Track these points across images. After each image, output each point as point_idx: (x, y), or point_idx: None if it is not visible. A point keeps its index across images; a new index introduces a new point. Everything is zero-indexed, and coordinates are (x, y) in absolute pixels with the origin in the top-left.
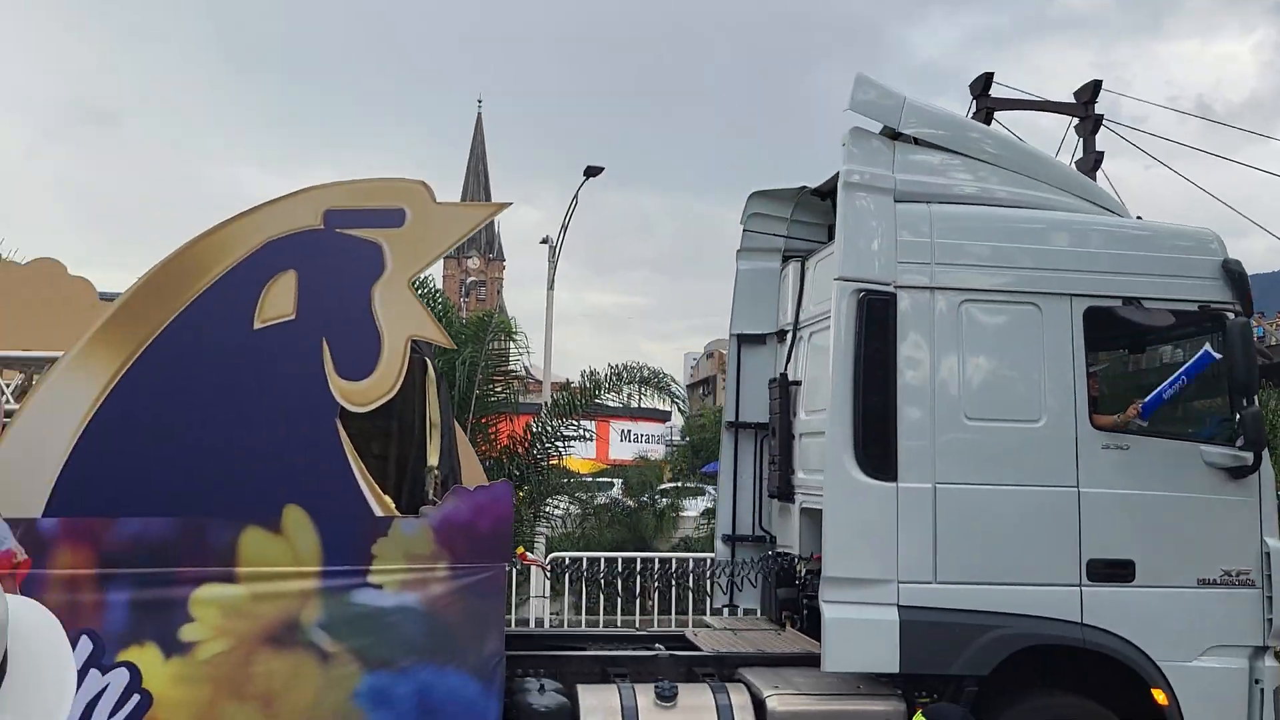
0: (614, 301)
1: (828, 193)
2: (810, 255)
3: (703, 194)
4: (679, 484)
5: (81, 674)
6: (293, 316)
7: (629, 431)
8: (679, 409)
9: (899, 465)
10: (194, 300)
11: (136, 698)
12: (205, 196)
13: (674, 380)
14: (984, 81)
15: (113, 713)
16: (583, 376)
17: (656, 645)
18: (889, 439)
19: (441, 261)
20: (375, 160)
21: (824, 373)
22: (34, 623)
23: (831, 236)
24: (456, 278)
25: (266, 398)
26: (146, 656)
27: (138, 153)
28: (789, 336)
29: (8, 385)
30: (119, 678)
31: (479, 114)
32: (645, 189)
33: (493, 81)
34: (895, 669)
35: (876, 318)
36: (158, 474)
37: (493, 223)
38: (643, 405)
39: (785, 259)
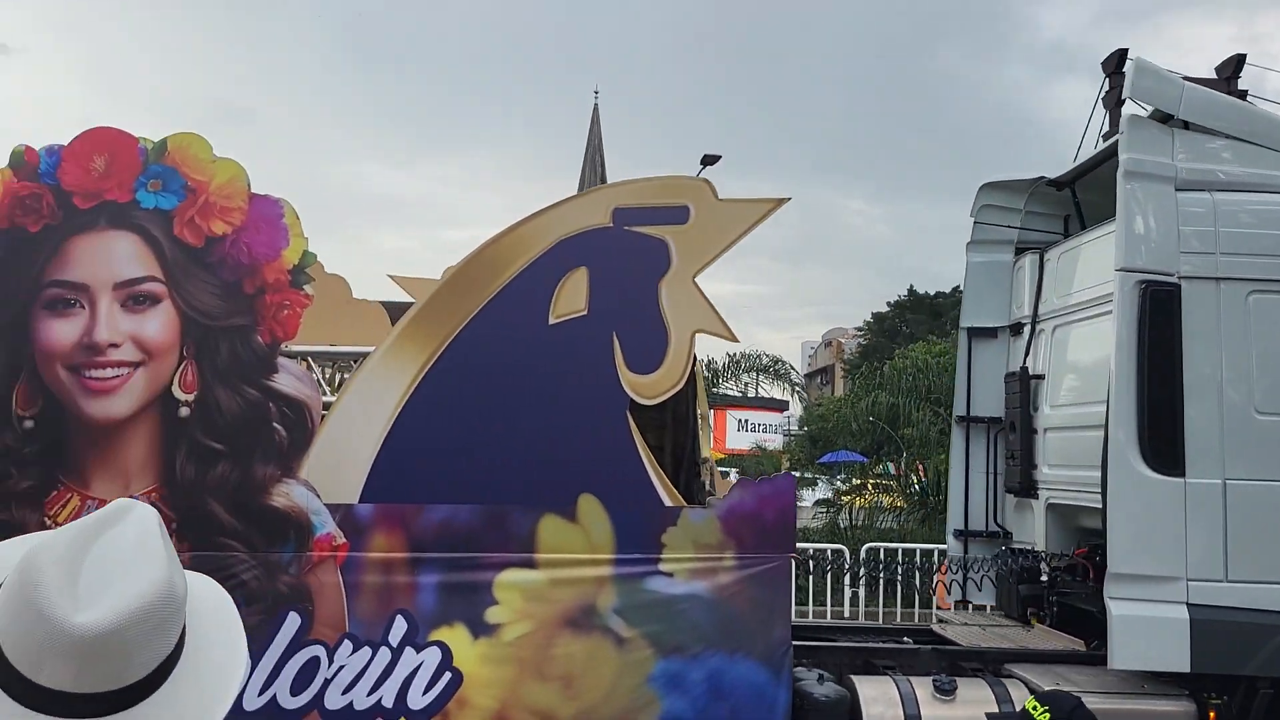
0: (731, 290)
1: (1066, 183)
2: (1050, 247)
3: (820, 180)
4: (798, 474)
5: (397, 652)
6: (585, 312)
7: (746, 421)
8: (798, 398)
9: (1186, 460)
10: (493, 297)
11: (448, 675)
12: (330, 190)
13: (793, 368)
14: (1117, 59)
15: (427, 689)
16: (700, 365)
17: (905, 638)
18: (1176, 433)
19: None
20: (494, 153)
21: (1075, 366)
22: (208, 598)
23: (1068, 228)
24: None
25: (561, 391)
26: (456, 636)
27: (269, 148)
28: (1026, 330)
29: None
30: (432, 656)
31: (595, 104)
32: (763, 176)
33: (609, 72)
34: (1186, 668)
35: (1160, 309)
36: (461, 463)
37: None
38: (760, 395)
39: (1018, 251)
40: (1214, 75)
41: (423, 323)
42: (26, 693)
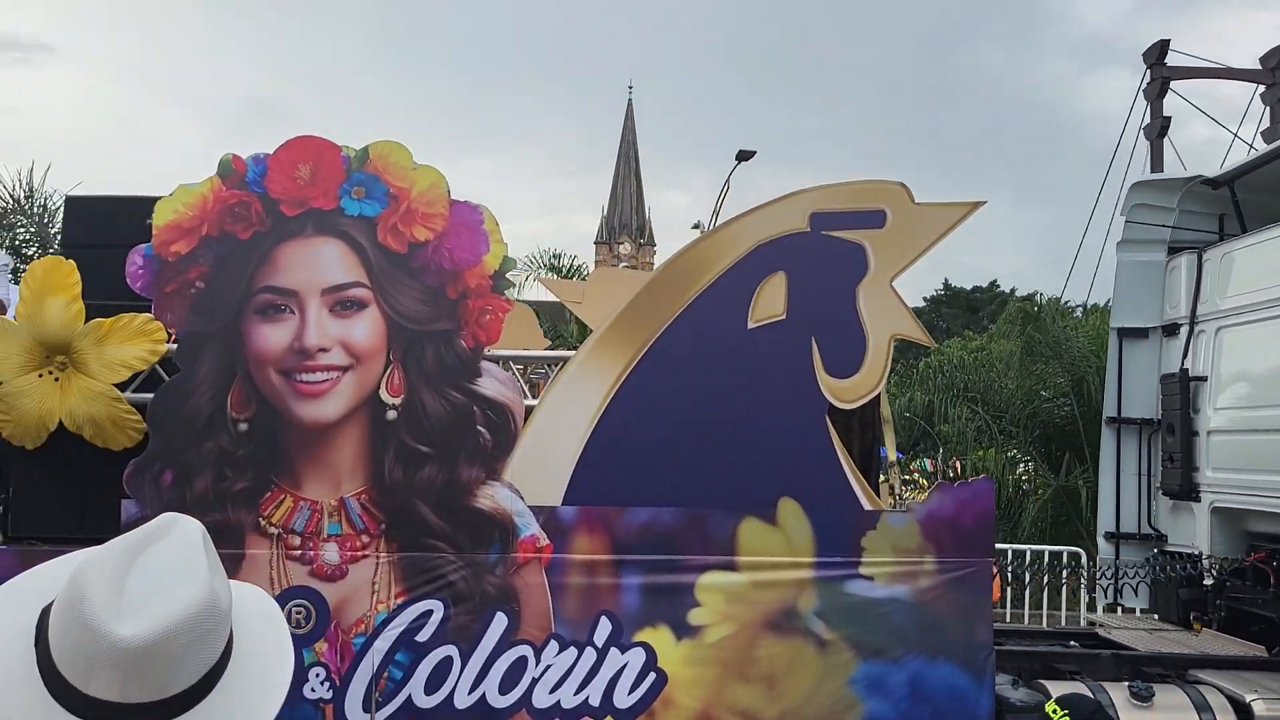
0: None
1: (1224, 182)
2: (1208, 246)
3: (856, 173)
4: None
5: (603, 652)
6: (783, 316)
7: None
8: None
9: None
10: (692, 301)
11: (653, 676)
12: None
13: None
14: (1159, 49)
15: (632, 689)
16: None
17: (1071, 641)
18: None
19: (593, 246)
20: (530, 148)
21: (1247, 368)
22: (257, 608)
23: (1223, 227)
24: (609, 262)
25: (761, 394)
26: (660, 638)
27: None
28: (1183, 330)
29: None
30: (636, 657)
31: (629, 99)
32: (797, 170)
33: (643, 66)
34: None
35: None
36: (662, 466)
37: (643, 207)
38: None
39: (1171, 250)
40: (1258, 65)
41: (622, 327)
42: (78, 703)
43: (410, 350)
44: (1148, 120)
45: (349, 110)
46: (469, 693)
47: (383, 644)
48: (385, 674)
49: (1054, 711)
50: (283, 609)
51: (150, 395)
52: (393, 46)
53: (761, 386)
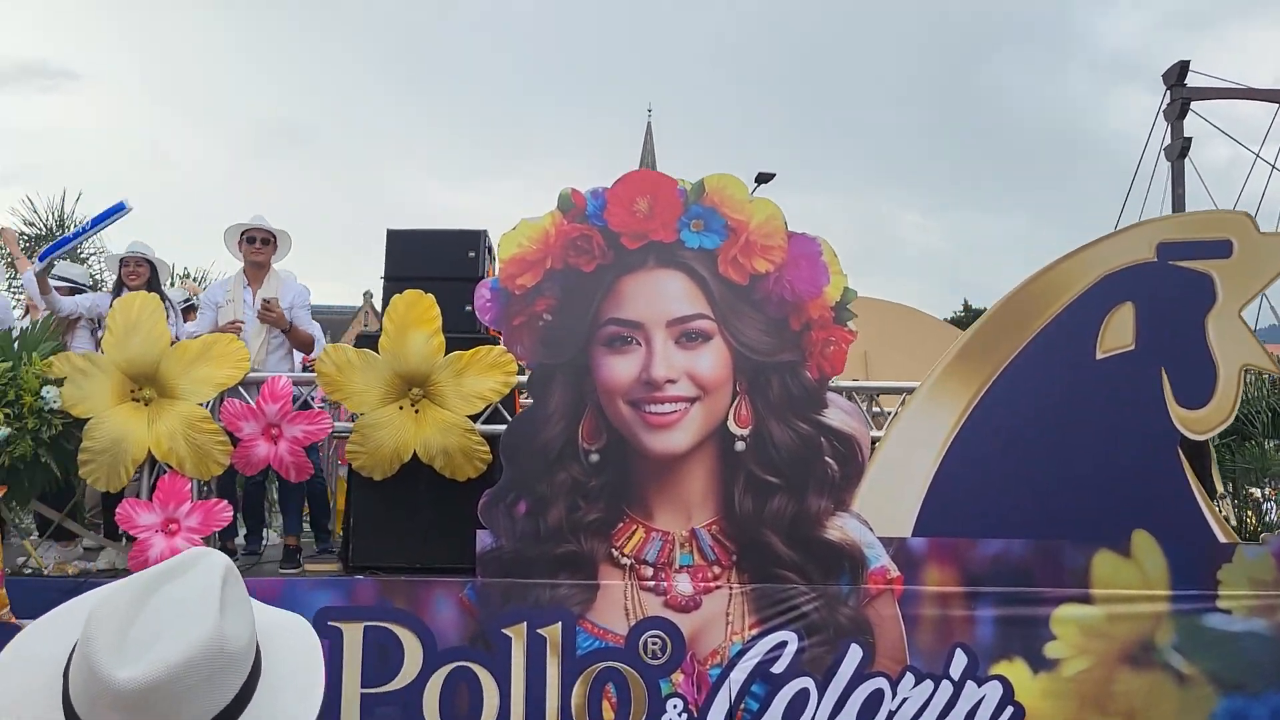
0: None
1: None
2: None
3: (876, 193)
4: None
5: (959, 685)
6: (1132, 347)
7: None
8: None
9: None
10: (1038, 333)
11: (1010, 710)
12: (390, 207)
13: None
14: (1179, 70)
15: None
16: None
17: None
18: None
19: None
20: (550, 170)
21: None
22: (295, 643)
23: None
24: None
25: (1111, 426)
26: (1015, 671)
27: (326, 167)
28: None
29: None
30: (993, 690)
31: (649, 122)
32: (818, 191)
33: (663, 90)
34: None
35: None
36: (1011, 498)
37: None
38: None
39: None
40: (1278, 85)
41: (968, 358)
42: None
43: (756, 381)
44: (1168, 141)
45: (371, 133)
46: None
47: (739, 675)
48: (742, 706)
49: None
50: (639, 640)
51: (501, 427)
52: (413, 70)
53: (1111, 417)
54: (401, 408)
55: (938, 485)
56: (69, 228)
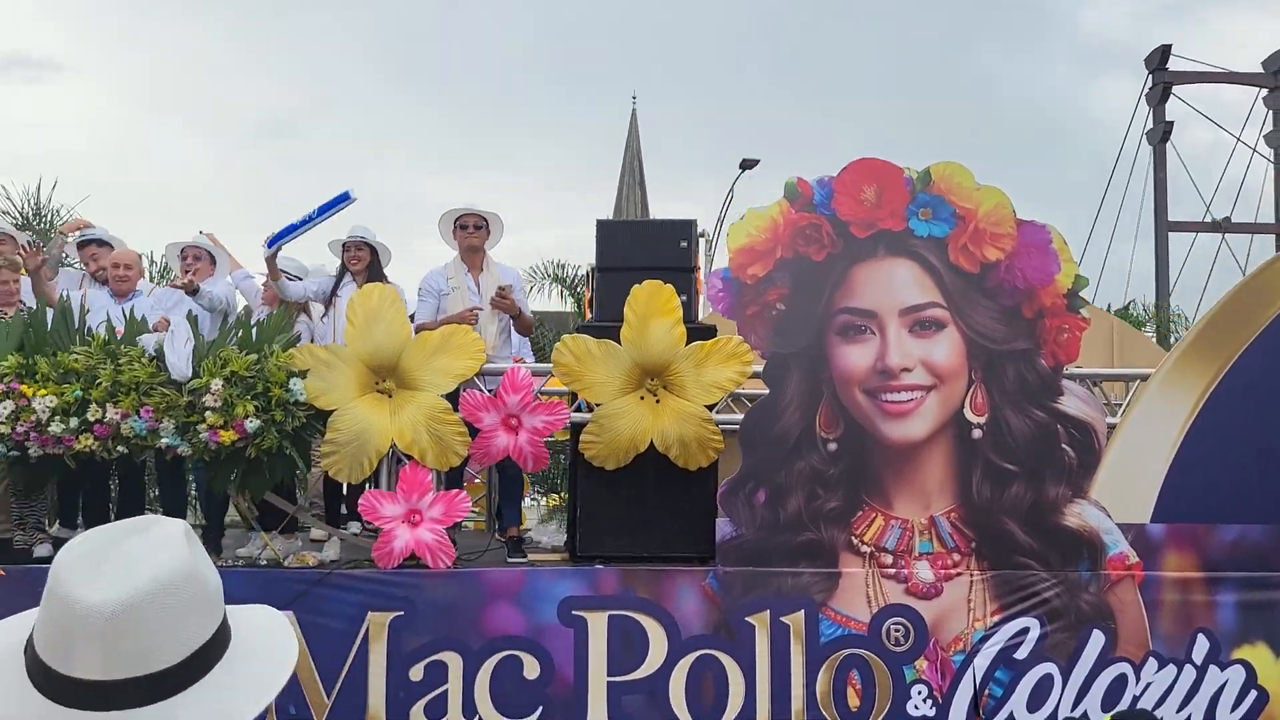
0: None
1: None
2: None
3: None
4: None
5: (1201, 670)
6: None
7: None
8: None
9: None
10: (1272, 321)
11: (1254, 694)
12: (381, 201)
13: None
14: (1161, 54)
15: (1234, 707)
16: None
17: None
18: None
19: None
20: (538, 161)
21: None
22: (264, 622)
23: None
24: None
25: None
26: (1258, 655)
27: (316, 161)
28: None
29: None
30: (1236, 675)
31: (633, 110)
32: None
33: (647, 77)
34: None
35: None
36: (1251, 483)
37: (648, 218)
38: None
39: None
40: (1260, 70)
41: (1203, 344)
42: (65, 692)
43: (991, 369)
44: (1150, 126)
45: (359, 126)
46: (1072, 708)
47: (982, 661)
48: (987, 691)
49: None
50: (882, 626)
51: (738, 417)
52: (397, 63)
53: None
54: (643, 397)
55: (1175, 471)
56: (46, 218)
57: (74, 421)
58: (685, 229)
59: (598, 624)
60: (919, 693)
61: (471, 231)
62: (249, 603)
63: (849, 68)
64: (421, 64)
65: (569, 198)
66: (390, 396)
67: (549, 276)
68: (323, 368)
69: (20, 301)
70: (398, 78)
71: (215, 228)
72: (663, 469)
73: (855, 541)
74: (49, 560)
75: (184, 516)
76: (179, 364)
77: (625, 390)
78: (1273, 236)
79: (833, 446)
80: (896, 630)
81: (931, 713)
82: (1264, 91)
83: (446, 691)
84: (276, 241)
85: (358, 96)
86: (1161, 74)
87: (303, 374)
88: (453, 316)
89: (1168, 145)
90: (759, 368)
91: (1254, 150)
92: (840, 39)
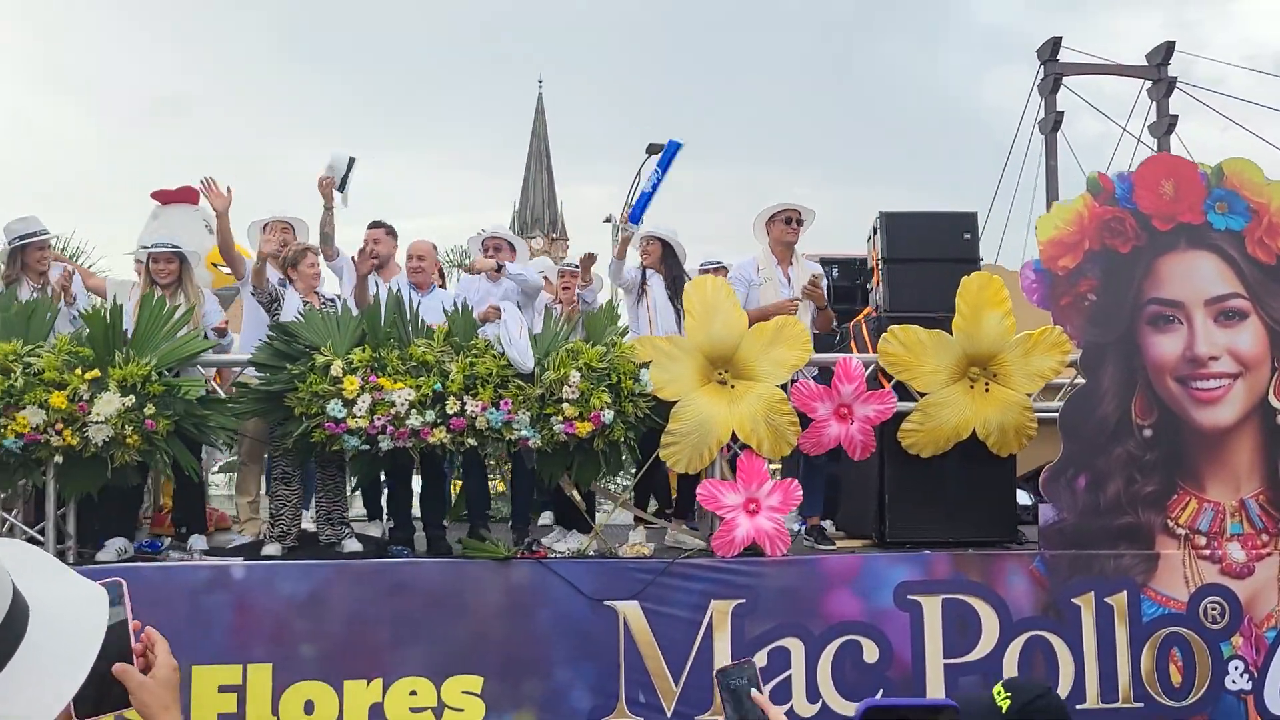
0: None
1: None
2: None
3: (766, 166)
4: None
5: None
6: None
7: None
8: None
9: None
10: None
11: None
12: (276, 183)
13: None
14: (1052, 46)
15: None
16: None
17: None
18: None
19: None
20: (442, 144)
21: None
22: (80, 611)
23: None
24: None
25: None
26: None
27: (209, 140)
28: None
29: None
30: None
31: (539, 94)
32: (709, 162)
33: (553, 60)
34: None
35: None
36: None
37: (555, 201)
38: None
39: None
40: (1144, 62)
41: None
42: None
43: None
44: (1042, 115)
45: (257, 106)
46: None
47: None
48: None
49: (999, 693)
50: (1199, 605)
51: (1056, 406)
52: (298, 41)
53: None
54: (973, 386)
55: None
56: None
57: (430, 414)
58: (969, 221)
59: (932, 608)
60: (1236, 668)
61: (794, 228)
62: (594, 594)
63: (754, 54)
64: (320, 42)
65: (476, 181)
66: (731, 387)
67: (454, 265)
68: (665, 359)
69: (317, 293)
70: (300, 56)
71: (102, 210)
72: (964, 456)
73: (1170, 524)
74: (358, 555)
75: (488, 508)
76: (521, 357)
77: (952, 379)
78: None
79: (1148, 433)
80: (1213, 609)
81: (1248, 687)
82: (1148, 84)
83: (790, 677)
84: (639, 215)
85: (254, 74)
86: (1053, 65)
87: (646, 365)
88: (770, 307)
89: (1059, 134)
90: (1075, 356)
91: (1139, 140)
92: (745, 26)
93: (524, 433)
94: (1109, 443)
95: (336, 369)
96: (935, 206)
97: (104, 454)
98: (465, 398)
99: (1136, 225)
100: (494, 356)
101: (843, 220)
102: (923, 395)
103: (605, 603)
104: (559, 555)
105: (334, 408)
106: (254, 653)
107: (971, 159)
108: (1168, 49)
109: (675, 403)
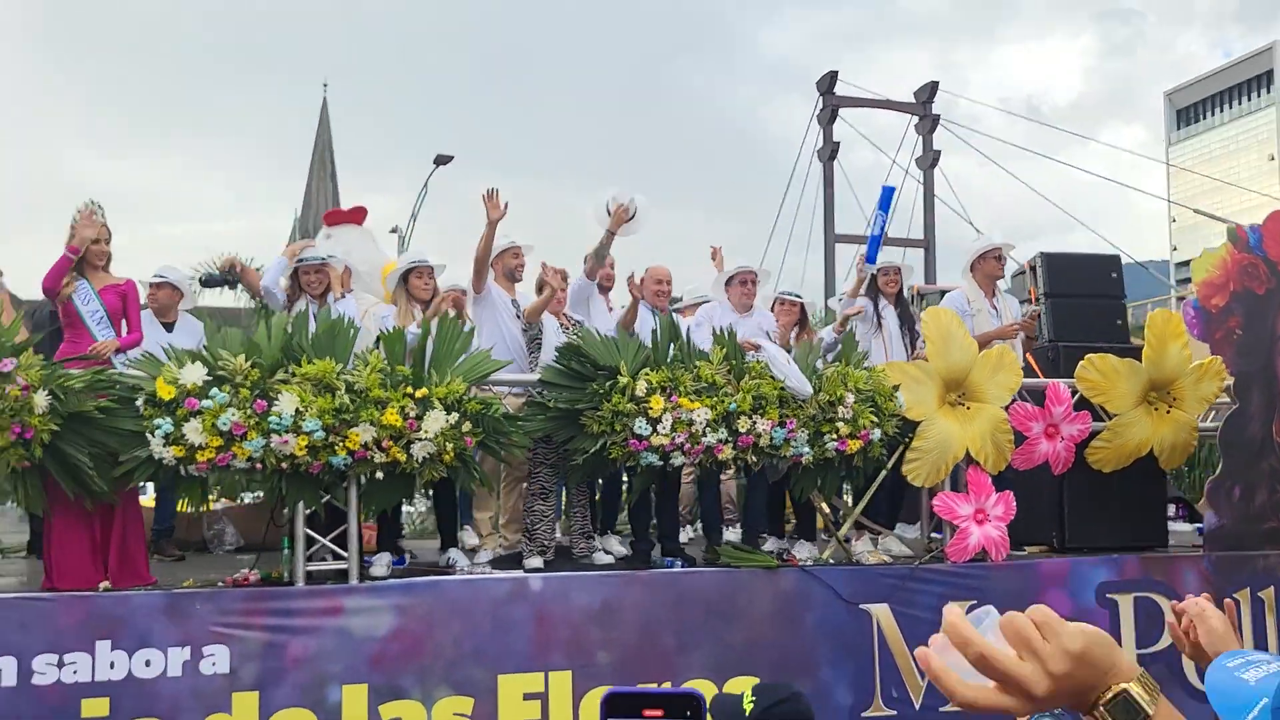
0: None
1: None
2: None
3: (559, 181)
4: None
5: None
6: None
7: None
8: None
9: None
10: None
11: None
12: (31, 181)
13: None
14: (829, 79)
15: None
16: None
17: None
18: None
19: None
20: (220, 142)
21: None
22: None
23: None
24: None
25: None
26: None
27: None
28: None
29: None
30: None
31: (324, 99)
32: (500, 177)
33: (339, 65)
34: None
35: None
36: None
37: (340, 207)
38: None
39: None
40: (912, 99)
41: None
42: None
43: None
44: (820, 144)
45: (15, 99)
46: None
47: None
48: None
49: (745, 695)
50: None
51: (1215, 426)
52: (63, 31)
53: None
54: (1155, 408)
55: None
56: None
57: (723, 431)
58: (1114, 263)
59: (1126, 605)
60: None
61: (1002, 264)
62: (851, 598)
63: (550, 74)
64: (87, 32)
65: (258, 185)
66: (966, 408)
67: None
68: (913, 383)
69: (565, 315)
70: (69, 59)
71: None
72: (1126, 469)
73: None
74: (609, 567)
75: (722, 520)
76: (799, 385)
77: (1139, 402)
78: (922, 250)
79: None
80: None
81: None
82: (915, 119)
83: None
84: (874, 256)
85: (10, 67)
86: (830, 97)
87: (896, 387)
88: (993, 333)
89: (835, 163)
90: (1229, 382)
91: (906, 172)
92: (544, 44)
93: (798, 449)
94: (1257, 458)
95: (640, 389)
96: (726, 228)
97: (417, 470)
98: (755, 417)
99: (1267, 270)
100: (771, 380)
101: (636, 240)
102: (1113, 416)
103: (860, 606)
104: (805, 563)
105: (640, 425)
106: (554, 660)
107: (759, 185)
108: (932, 88)
109: (920, 423)
